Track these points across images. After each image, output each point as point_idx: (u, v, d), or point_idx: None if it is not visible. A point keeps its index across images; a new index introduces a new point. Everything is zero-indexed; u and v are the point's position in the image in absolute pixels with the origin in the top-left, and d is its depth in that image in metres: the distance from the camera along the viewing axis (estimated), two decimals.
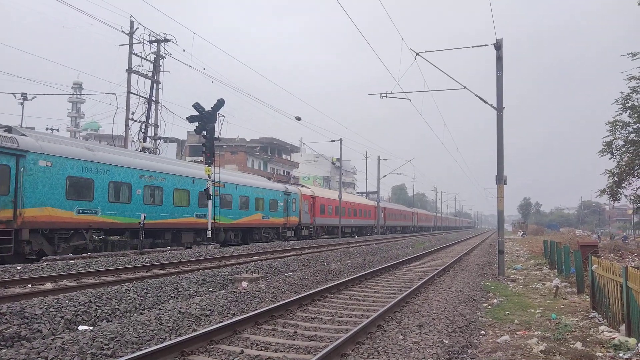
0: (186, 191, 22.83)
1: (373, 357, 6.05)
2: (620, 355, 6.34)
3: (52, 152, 16.25)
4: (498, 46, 17.02)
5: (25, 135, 15.96)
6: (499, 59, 17.05)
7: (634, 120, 25.36)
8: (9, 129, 16.05)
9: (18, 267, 12.54)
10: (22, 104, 45.80)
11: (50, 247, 16.29)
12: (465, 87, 18.54)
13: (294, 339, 6.91)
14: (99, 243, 19.87)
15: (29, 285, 10.71)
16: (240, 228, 27.81)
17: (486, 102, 17.79)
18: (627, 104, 25.19)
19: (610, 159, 27.08)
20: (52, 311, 7.57)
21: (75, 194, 17.10)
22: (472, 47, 18.29)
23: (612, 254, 22.69)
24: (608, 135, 26.78)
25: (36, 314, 7.30)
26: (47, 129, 48.62)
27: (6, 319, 6.92)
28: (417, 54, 17.71)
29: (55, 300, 8.08)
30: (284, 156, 75.12)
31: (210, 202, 22.82)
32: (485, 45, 17.44)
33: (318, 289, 10.70)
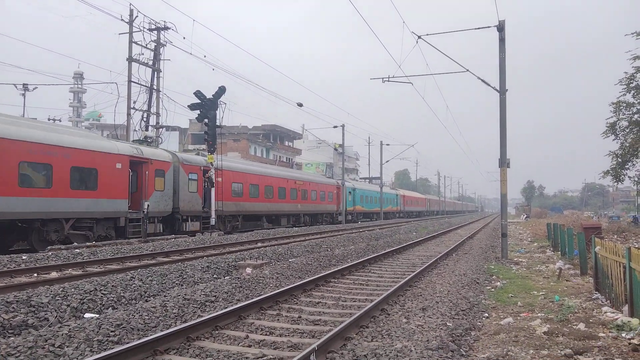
0: (375, 197, 55.54)
1: (377, 340, 6.08)
2: (623, 335, 6.37)
3: (357, 187, 50.64)
4: (500, 28, 16.78)
5: (349, 182, 50.15)
6: (502, 40, 16.85)
7: (639, 100, 25.16)
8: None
9: (24, 257, 12.66)
10: (23, 94, 45.70)
11: (355, 219, 49.10)
12: (467, 70, 18.36)
13: (299, 324, 6.96)
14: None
15: (35, 275, 10.80)
16: (387, 212, 60.00)
17: (489, 85, 17.64)
18: (631, 85, 24.97)
19: (614, 140, 26.95)
20: (58, 299, 7.64)
21: (360, 201, 50.09)
22: (475, 29, 18.08)
23: (615, 236, 22.67)
24: (612, 116, 26.62)
25: (42, 303, 7.37)
26: (49, 119, 48.57)
27: (13, 307, 6.99)
28: (419, 37, 17.51)
29: (61, 289, 8.15)
30: (286, 143, 74.98)
31: (212, 190, 22.88)
32: (488, 27, 17.23)
33: (322, 274, 10.76)
